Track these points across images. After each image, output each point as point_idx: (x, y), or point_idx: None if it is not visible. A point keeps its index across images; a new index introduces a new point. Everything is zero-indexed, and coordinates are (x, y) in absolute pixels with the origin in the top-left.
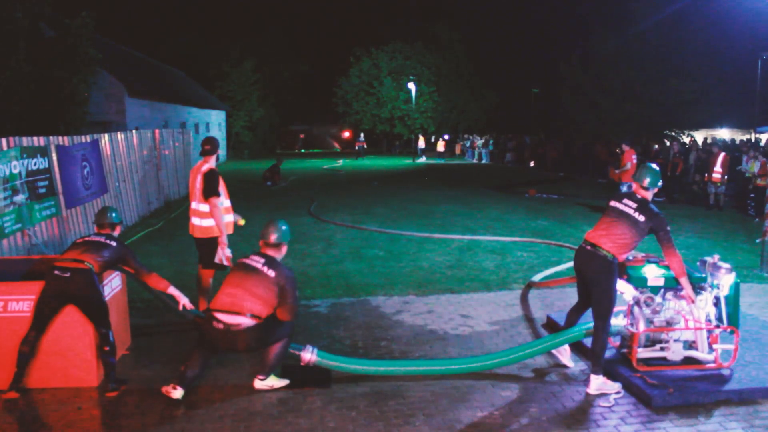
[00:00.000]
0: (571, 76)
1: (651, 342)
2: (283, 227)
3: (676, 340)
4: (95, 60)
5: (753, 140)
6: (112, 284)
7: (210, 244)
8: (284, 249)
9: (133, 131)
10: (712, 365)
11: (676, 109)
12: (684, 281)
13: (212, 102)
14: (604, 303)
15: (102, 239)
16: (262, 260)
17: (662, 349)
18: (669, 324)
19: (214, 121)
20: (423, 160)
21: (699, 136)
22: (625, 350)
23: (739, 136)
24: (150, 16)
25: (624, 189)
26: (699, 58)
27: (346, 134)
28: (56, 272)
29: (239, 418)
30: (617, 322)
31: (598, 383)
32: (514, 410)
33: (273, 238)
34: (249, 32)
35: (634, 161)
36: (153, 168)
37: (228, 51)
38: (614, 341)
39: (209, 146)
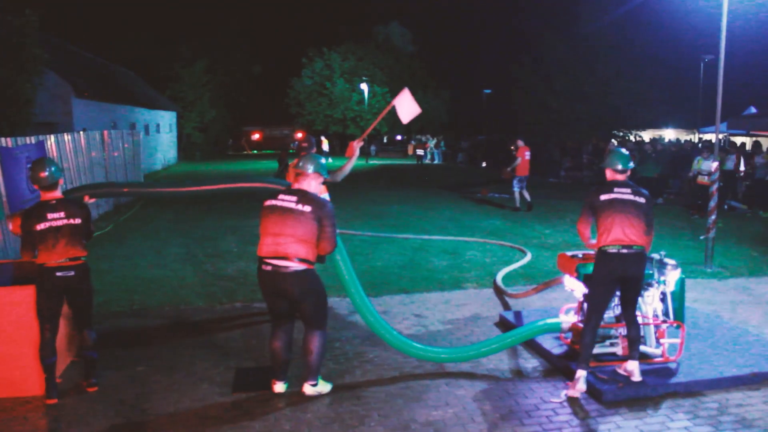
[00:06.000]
0: (522, 77)
1: (601, 338)
2: (320, 160)
3: (625, 336)
4: (41, 60)
5: (696, 140)
6: None
7: None
8: (318, 180)
9: (81, 132)
10: (660, 359)
11: (624, 109)
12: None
13: (163, 103)
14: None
15: (72, 219)
16: (294, 197)
17: (612, 344)
18: (618, 320)
19: (165, 122)
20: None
21: (646, 135)
22: (576, 346)
23: (684, 136)
24: (99, 15)
25: (517, 184)
26: (644, 60)
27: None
28: (58, 273)
29: (193, 423)
30: (568, 318)
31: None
32: (468, 408)
33: (308, 167)
34: (201, 32)
35: (526, 157)
36: (102, 170)
37: (180, 51)
38: (565, 338)
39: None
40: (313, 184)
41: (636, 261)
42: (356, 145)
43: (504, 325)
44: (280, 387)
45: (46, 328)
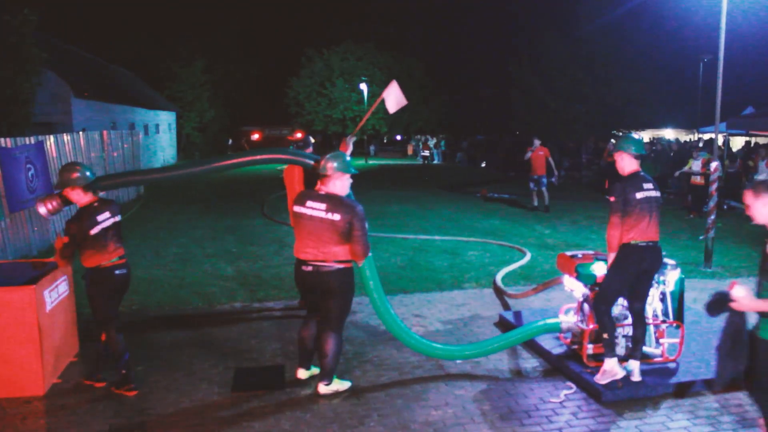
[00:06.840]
0: (520, 77)
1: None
2: (345, 157)
3: (624, 336)
4: (40, 59)
5: (695, 140)
6: (59, 289)
7: None
8: (342, 178)
9: (80, 132)
10: (660, 359)
11: (623, 109)
12: None
13: (162, 103)
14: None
15: (116, 217)
16: (323, 205)
17: None
18: (617, 320)
19: (164, 123)
20: None
21: (645, 135)
22: (576, 347)
23: (684, 136)
24: (98, 14)
25: (543, 182)
26: (643, 60)
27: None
28: (117, 272)
29: (193, 422)
30: (567, 319)
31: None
32: (467, 408)
33: (330, 167)
34: (201, 32)
35: (540, 154)
36: (101, 170)
37: (178, 51)
38: (565, 338)
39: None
40: (338, 184)
41: (658, 254)
42: (349, 140)
43: (504, 325)
44: (302, 374)
45: (111, 327)
